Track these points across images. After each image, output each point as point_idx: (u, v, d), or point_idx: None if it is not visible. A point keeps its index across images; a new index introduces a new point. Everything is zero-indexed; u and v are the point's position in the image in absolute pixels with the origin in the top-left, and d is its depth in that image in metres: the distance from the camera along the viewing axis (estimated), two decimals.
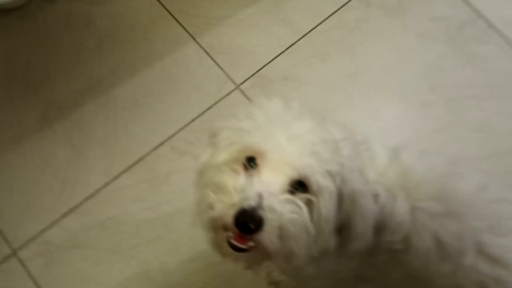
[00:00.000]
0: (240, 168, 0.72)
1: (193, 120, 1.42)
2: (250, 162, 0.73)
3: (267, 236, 0.67)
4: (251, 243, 0.69)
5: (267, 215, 0.67)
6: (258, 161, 0.72)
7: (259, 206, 0.67)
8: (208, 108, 1.43)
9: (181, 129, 1.41)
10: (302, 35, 1.52)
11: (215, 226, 0.72)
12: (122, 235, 1.31)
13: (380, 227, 0.81)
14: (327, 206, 0.72)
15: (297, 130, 0.72)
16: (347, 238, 0.78)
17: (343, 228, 0.77)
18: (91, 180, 1.35)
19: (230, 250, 0.71)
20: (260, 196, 0.67)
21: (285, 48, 1.51)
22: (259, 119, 0.75)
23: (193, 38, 1.51)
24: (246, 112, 0.77)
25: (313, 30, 1.53)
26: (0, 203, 1.33)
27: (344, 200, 0.74)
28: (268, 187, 0.69)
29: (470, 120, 1.42)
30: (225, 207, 0.69)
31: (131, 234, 1.31)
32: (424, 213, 0.83)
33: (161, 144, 1.39)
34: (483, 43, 1.51)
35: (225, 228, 0.70)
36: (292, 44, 1.51)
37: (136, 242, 1.30)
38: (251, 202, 0.67)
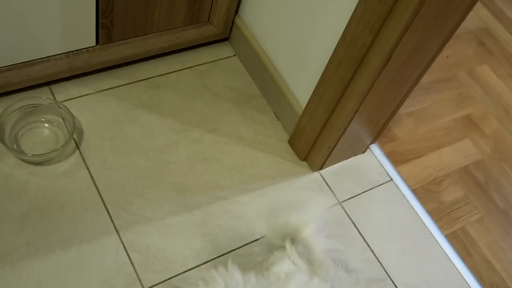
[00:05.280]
0: None
1: None
2: None
3: None
4: None
5: None
6: None
7: None
8: None
9: None
10: (221, 254, 1.59)
11: None
12: None
13: None
14: None
15: None
16: None
17: None
18: None
19: None
20: None
21: (201, 262, 1.56)
22: None
23: (117, 232, 1.55)
24: None
25: (232, 252, 1.61)
26: None
27: None
28: None
29: None
30: None
31: None
32: None
33: None
34: None
35: None
36: (209, 261, 1.57)
37: None
38: None
